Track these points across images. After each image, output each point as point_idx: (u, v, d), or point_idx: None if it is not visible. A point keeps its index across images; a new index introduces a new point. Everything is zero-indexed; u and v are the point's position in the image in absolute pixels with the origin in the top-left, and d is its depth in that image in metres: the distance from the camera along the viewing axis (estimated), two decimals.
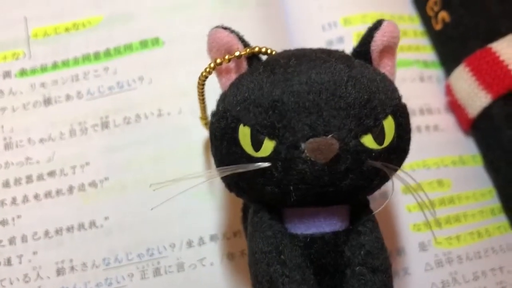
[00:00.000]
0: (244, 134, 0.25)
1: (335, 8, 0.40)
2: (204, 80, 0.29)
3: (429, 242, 0.35)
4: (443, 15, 0.39)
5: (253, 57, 0.28)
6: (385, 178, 0.26)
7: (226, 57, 0.27)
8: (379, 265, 0.26)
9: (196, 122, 0.35)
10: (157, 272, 0.33)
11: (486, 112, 0.37)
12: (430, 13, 0.40)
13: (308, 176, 0.24)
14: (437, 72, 0.40)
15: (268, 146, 0.25)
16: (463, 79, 0.37)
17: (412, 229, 0.35)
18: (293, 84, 0.25)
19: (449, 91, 0.39)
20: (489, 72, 0.36)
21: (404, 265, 0.35)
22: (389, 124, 0.25)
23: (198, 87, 0.30)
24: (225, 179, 0.27)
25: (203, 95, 0.30)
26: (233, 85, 0.27)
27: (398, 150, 0.26)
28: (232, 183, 0.28)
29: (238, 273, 0.33)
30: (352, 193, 0.26)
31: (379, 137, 0.25)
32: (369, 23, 0.39)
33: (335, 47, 0.39)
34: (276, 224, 0.27)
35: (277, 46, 0.38)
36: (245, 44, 0.28)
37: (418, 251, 0.35)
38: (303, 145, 0.24)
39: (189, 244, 0.34)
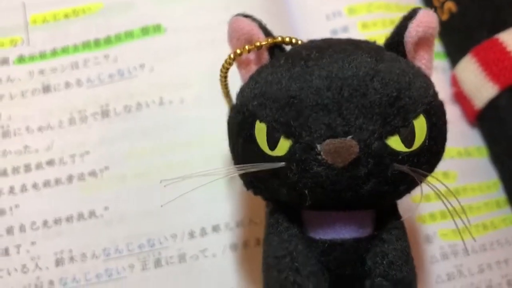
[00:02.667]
0: (260, 130, 0.24)
1: None
2: (226, 72, 0.27)
3: (434, 234, 0.35)
4: (450, 5, 0.39)
5: (275, 48, 0.26)
6: (414, 184, 0.24)
7: (246, 47, 0.25)
8: (401, 278, 0.24)
9: (198, 112, 0.35)
10: (158, 263, 0.33)
11: (492, 104, 0.36)
12: (436, 3, 0.40)
13: (324, 180, 0.22)
14: (443, 62, 0.40)
15: (283, 145, 0.23)
16: (470, 70, 0.37)
17: (418, 220, 0.35)
18: (313, 79, 0.23)
19: (455, 82, 0.38)
20: (496, 63, 0.36)
21: None
22: (420, 125, 0.23)
23: (220, 80, 0.27)
24: (242, 177, 0.26)
25: (227, 88, 0.28)
26: (252, 77, 0.25)
27: (430, 153, 0.24)
28: (248, 182, 0.26)
29: (241, 264, 0.33)
30: (375, 198, 0.23)
31: (408, 138, 0.23)
32: (374, 13, 0.40)
33: (340, 36, 0.39)
34: (292, 228, 0.25)
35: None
36: (267, 34, 0.26)
37: (424, 243, 0.35)
38: (319, 146, 0.22)
39: (191, 234, 0.33)
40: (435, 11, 0.39)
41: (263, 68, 0.25)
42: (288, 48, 0.26)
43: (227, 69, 0.27)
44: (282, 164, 0.23)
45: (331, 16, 0.39)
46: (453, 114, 0.38)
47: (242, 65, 0.27)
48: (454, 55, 0.39)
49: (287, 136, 0.23)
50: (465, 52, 0.37)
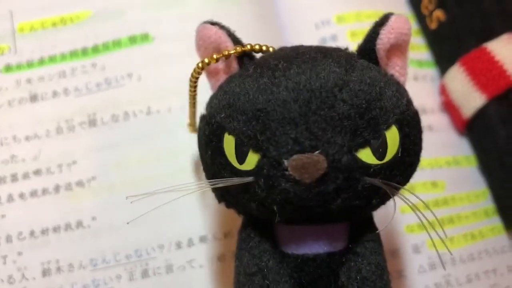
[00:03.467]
0: (229, 143, 0.23)
1: (329, 6, 0.40)
2: (195, 82, 0.26)
3: (422, 244, 0.35)
4: (438, 14, 0.39)
5: (244, 56, 0.25)
6: (387, 197, 0.23)
7: (214, 56, 0.25)
8: None
9: (186, 121, 0.35)
10: (145, 274, 0.33)
11: (480, 113, 0.36)
12: (425, 11, 0.40)
13: (292, 197, 0.21)
14: (432, 71, 0.40)
15: (252, 159, 0.22)
16: (458, 79, 0.37)
17: (406, 230, 0.35)
18: (280, 91, 0.22)
19: (443, 91, 0.38)
20: (484, 72, 0.36)
21: (398, 267, 0.34)
22: (392, 136, 0.22)
23: (189, 89, 0.27)
24: (213, 191, 0.25)
25: (194, 98, 0.28)
26: (221, 88, 0.25)
27: (403, 165, 0.23)
28: (219, 196, 0.26)
29: (229, 275, 0.33)
30: (346, 213, 0.23)
31: (379, 150, 0.22)
32: (363, 21, 0.40)
33: (329, 45, 0.39)
34: (264, 243, 0.24)
35: (270, 44, 0.38)
36: (236, 42, 0.25)
37: (412, 253, 0.34)
38: (286, 162, 0.21)
39: (178, 245, 0.33)
40: (424, 19, 0.40)
41: (231, 78, 0.24)
42: (258, 56, 0.25)
43: (196, 78, 0.26)
44: (250, 179, 0.22)
45: (320, 25, 0.39)
46: (441, 123, 0.38)
47: (211, 75, 0.26)
48: (443, 64, 0.39)
49: (255, 150, 0.22)
50: (454, 61, 0.37)
